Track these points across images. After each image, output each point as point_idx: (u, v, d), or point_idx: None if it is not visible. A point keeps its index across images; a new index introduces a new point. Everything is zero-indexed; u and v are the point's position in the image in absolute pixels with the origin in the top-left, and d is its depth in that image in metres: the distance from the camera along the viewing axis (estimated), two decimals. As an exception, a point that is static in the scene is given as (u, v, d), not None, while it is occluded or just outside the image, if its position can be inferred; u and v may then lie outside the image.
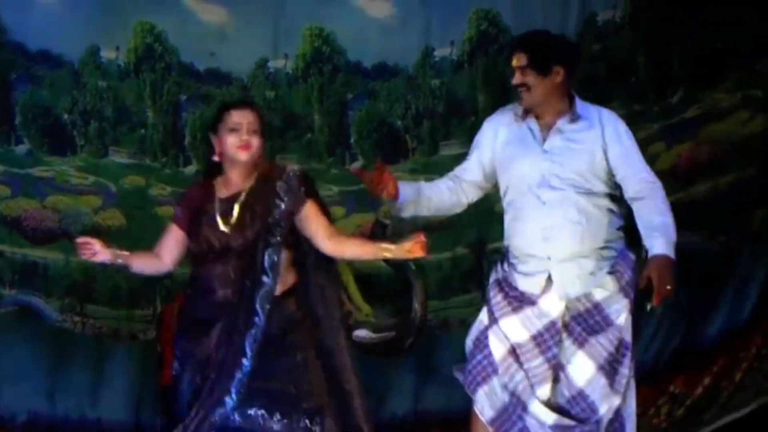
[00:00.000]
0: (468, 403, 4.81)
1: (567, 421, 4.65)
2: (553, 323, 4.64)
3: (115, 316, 6.00)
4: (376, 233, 4.80)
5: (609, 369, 4.63)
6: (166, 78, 6.01)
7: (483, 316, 4.79)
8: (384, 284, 5.63)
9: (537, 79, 4.62)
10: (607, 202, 4.66)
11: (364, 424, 4.50)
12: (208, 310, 4.38)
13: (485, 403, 4.72)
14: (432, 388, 6.10)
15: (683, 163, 6.52)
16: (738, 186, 6.55)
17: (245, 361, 4.30)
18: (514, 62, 4.67)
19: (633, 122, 4.85)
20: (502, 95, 5.75)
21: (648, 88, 6.49)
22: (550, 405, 4.66)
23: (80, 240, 4.36)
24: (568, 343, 4.66)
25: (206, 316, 4.38)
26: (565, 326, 4.65)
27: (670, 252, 4.49)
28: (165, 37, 5.97)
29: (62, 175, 5.95)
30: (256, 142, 4.43)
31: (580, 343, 4.64)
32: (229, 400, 4.28)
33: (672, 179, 6.36)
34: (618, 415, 4.69)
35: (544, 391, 4.66)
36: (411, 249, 4.30)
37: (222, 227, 4.40)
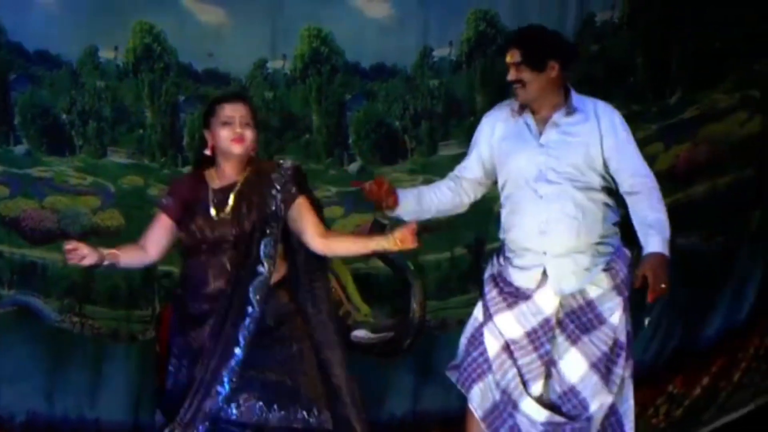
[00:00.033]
0: (466, 403, 4.82)
1: (558, 419, 4.65)
2: (546, 320, 4.65)
3: (113, 316, 6.00)
4: (375, 233, 4.80)
5: (602, 368, 4.63)
6: (165, 78, 6.01)
7: (478, 313, 4.79)
8: (382, 284, 5.64)
9: (532, 75, 4.62)
10: (603, 197, 4.66)
11: (355, 421, 4.50)
12: (201, 304, 4.37)
13: (480, 401, 4.72)
14: (431, 388, 6.10)
15: (681, 164, 6.53)
16: (736, 186, 6.56)
17: (237, 351, 4.30)
18: (508, 59, 4.68)
19: (631, 123, 4.84)
20: (500, 95, 5.71)
21: (646, 88, 6.50)
22: (542, 401, 4.66)
23: (68, 246, 4.29)
24: (561, 339, 4.66)
25: (199, 311, 4.37)
26: (559, 323, 4.66)
27: (664, 250, 4.50)
28: (163, 38, 5.97)
29: (61, 176, 5.95)
30: (249, 134, 4.43)
31: (573, 340, 4.65)
32: (222, 390, 4.27)
33: (670, 180, 6.37)
34: (614, 411, 4.69)
35: (537, 387, 4.67)
36: (402, 239, 4.28)
37: (216, 217, 4.40)
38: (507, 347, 4.68)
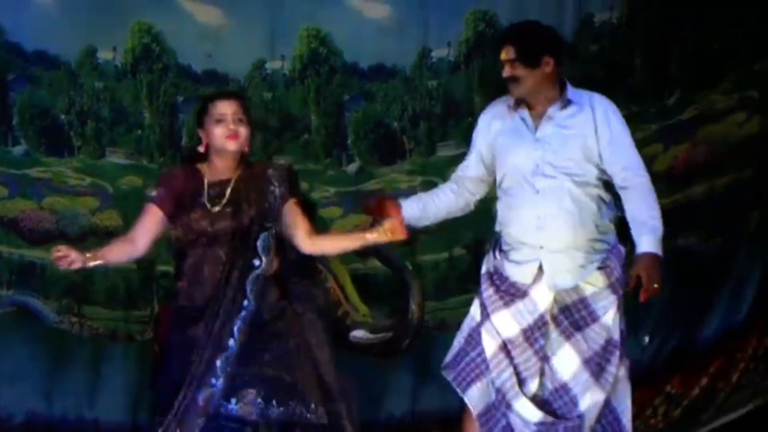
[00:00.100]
0: (465, 403, 4.82)
1: (551, 419, 4.65)
2: (541, 316, 4.65)
3: (112, 317, 6.00)
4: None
5: (594, 365, 4.63)
6: (163, 79, 6.01)
7: (474, 311, 4.79)
8: (381, 285, 5.65)
9: (526, 71, 4.62)
10: (601, 192, 4.65)
11: (345, 418, 4.49)
12: (196, 297, 4.36)
13: (478, 400, 4.73)
14: (429, 388, 6.10)
15: (680, 165, 6.53)
16: (734, 187, 6.56)
17: (231, 342, 4.29)
18: (503, 55, 4.67)
19: (630, 123, 4.83)
20: (498, 96, 5.74)
21: (645, 89, 6.50)
22: (537, 401, 4.66)
23: (57, 254, 4.23)
24: (555, 335, 4.66)
25: (195, 304, 4.36)
26: (553, 318, 4.65)
27: (657, 249, 4.50)
28: (162, 38, 5.97)
29: (59, 176, 5.95)
30: (243, 131, 4.43)
31: (567, 337, 4.65)
32: (216, 381, 4.27)
33: (669, 180, 6.38)
34: (611, 410, 4.69)
35: (534, 384, 4.67)
36: (392, 229, 4.29)
37: (213, 211, 4.40)
38: (504, 346, 4.68)
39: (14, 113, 5.91)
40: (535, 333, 4.65)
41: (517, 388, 4.67)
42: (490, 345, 4.70)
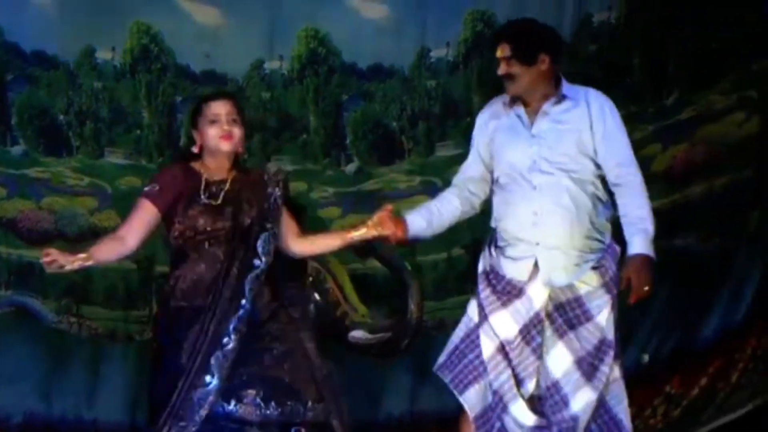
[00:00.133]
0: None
1: (545, 422, 4.65)
2: (536, 313, 4.64)
3: (111, 317, 6.00)
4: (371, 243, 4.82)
5: (586, 366, 4.62)
6: (162, 79, 6.02)
7: (472, 312, 4.78)
8: (380, 285, 5.64)
9: (522, 69, 4.62)
10: (597, 190, 4.65)
11: (334, 416, 4.49)
12: (193, 296, 4.36)
13: (476, 402, 4.72)
14: (428, 388, 6.09)
15: (679, 165, 6.52)
16: (733, 187, 6.55)
17: (226, 340, 4.30)
18: (498, 53, 4.67)
19: (628, 124, 4.83)
20: (497, 96, 5.76)
21: (643, 89, 6.50)
22: (533, 404, 4.66)
23: (46, 259, 4.19)
24: (549, 332, 4.66)
25: (192, 303, 4.36)
26: (548, 315, 4.65)
27: (648, 250, 4.51)
28: (161, 39, 5.98)
29: (58, 176, 5.96)
30: (237, 131, 4.45)
31: (560, 335, 4.65)
32: (210, 379, 4.27)
33: (667, 181, 6.37)
34: (607, 410, 4.68)
35: (532, 384, 4.66)
36: (380, 223, 4.30)
37: (212, 210, 4.40)
38: (502, 348, 4.68)
39: (13, 113, 5.92)
40: (531, 331, 4.65)
41: (515, 390, 4.67)
42: (488, 347, 4.70)
